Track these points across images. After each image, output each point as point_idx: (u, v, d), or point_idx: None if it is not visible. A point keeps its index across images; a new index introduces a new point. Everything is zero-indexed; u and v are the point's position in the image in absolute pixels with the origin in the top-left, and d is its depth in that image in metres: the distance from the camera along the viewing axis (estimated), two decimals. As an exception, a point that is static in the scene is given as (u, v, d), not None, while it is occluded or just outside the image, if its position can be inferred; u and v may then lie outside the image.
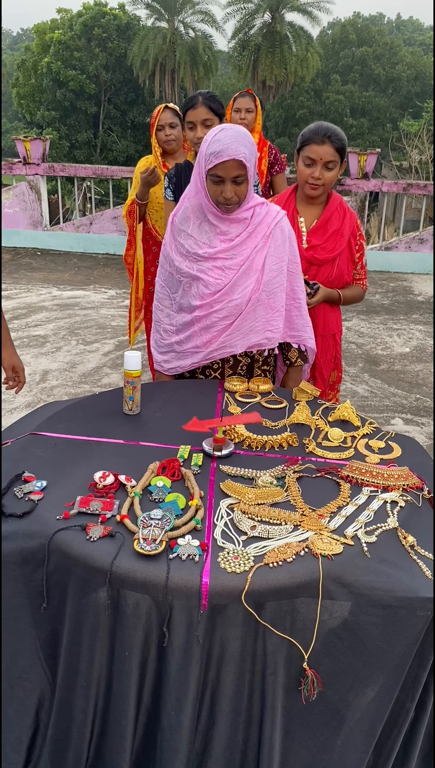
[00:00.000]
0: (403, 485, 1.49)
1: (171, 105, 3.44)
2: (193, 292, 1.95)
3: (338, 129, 2.17)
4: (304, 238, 2.22)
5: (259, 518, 1.34)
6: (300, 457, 1.60)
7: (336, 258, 2.27)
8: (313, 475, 1.52)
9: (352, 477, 1.51)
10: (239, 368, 2.06)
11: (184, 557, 1.21)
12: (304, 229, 2.21)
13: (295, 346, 2.09)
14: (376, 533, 1.32)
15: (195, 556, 1.21)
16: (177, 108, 3.44)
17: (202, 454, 1.58)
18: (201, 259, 1.93)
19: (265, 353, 2.05)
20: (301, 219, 2.22)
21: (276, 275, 1.94)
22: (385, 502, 1.43)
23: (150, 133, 3.47)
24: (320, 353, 2.32)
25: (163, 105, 3.42)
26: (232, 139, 1.76)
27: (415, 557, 1.27)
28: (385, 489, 1.48)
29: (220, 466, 1.54)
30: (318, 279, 2.28)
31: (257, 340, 1.97)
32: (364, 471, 1.52)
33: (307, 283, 2.17)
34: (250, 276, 1.91)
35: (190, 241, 1.95)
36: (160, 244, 2.33)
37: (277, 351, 2.08)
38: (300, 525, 1.32)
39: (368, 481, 1.49)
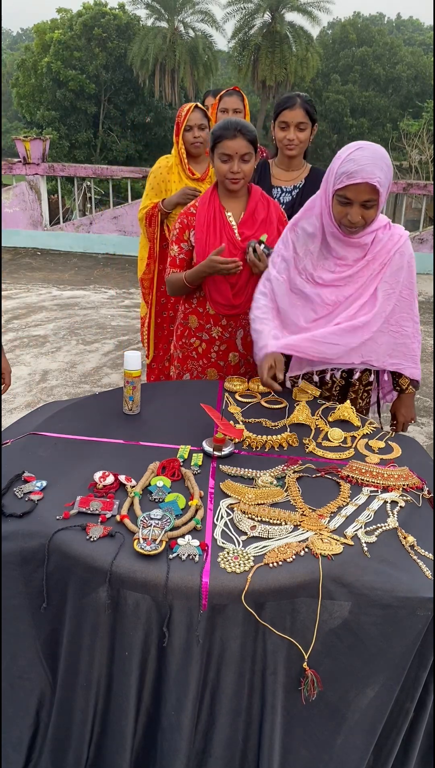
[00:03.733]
0: (403, 485, 1.49)
1: (201, 105, 3.16)
2: (300, 311, 1.89)
3: (246, 122, 2.17)
4: (236, 231, 2.21)
5: (259, 518, 1.34)
6: (300, 457, 1.60)
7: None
8: (313, 475, 1.52)
9: (352, 477, 1.51)
10: (334, 388, 2.06)
11: (184, 557, 1.21)
12: (233, 222, 2.21)
13: (406, 374, 2.01)
14: (376, 533, 1.32)
15: (195, 556, 1.21)
16: (205, 109, 3.17)
17: (202, 454, 1.58)
18: (313, 283, 1.87)
19: (371, 377, 2.02)
20: (229, 213, 2.22)
21: (385, 301, 1.86)
22: (385, 502, 1.43)
23: (175, 133, 3.19)
24: None
25: (193, 104, 3.14)
26: (368, 160, 1.65)
27: (415, 557, 1.27)
28: (385, 489, 1.48)
29: (220, 466, 1.54)
30: None
31: (354, 359, 1.91)
32: (364, 471, 1.53)
33: (260, 242, 2.15)
34: (361, 301, 1.84)
35: (308, 260, 1.87)
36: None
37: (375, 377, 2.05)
38: (300, 525, 1.32)
39: (368, 481, 1.49)
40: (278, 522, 1.33)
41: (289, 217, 2.33)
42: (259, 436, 1.68)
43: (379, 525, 1.34)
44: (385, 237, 1.83)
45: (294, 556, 1.22)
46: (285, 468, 1.54)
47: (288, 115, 2.59)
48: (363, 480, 1.50)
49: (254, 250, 2.12)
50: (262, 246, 2.13)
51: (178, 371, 2.39)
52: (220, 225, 2.20)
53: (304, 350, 1.89)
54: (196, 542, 1.24)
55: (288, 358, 2.03)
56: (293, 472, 1.52)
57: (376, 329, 1.86)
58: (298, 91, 2.75)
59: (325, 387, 2.04)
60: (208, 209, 2.22)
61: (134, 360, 1.77)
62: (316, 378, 1.99)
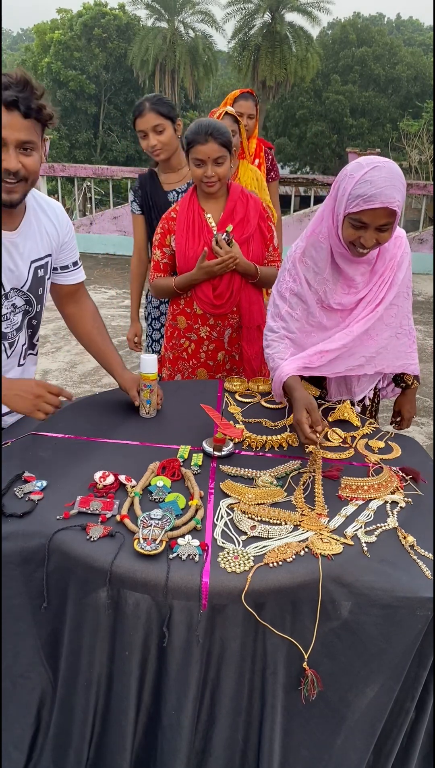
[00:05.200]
0: (396, 487, 1.49)
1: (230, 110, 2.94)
2: (315, 339, 1.81)
3: (219, 124, 2.14)
4: (215, 232, 2.21)
5: (259, 518, 1.34)
6: (300, 457, 1.60)
7: (248, 239, 2.23)
8: (306, 470, 1.52)
9: (345, 496, 1.45)
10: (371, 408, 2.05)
11: (184, 557, 1.21)
12: (213, 224, 2.20)
13: (410, 371, 1.97)
14: (376, 533, 1.32)
15: (195, 556, 1.21)
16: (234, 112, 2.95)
17: (202, 454, 1.58)
18: (332, 311, 1.79)
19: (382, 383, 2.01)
20: (209, 215, 2.21)
21: (396, 310, 1.83)
22: (385, 502, 1.43)
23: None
24: (247, 345, 2.29)
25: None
26: (386, 182, 1.50)
27: (415, 557, 1.28)
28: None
29: (220, 466, 1.54)
30: None
31: (368, 370, 1.87)
32: (354, 488, 1.47)
33: (226, 233, 2.14)
34: (373, 320, 1.79)
35: (325, 288, 1.76)
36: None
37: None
38: (300, 525, 1.32)
39: (364, 497, 1.44)
40: (278, 522, 1.33)
41: None
42: (259, 436, 1.68)
43: (379, 525, 1.35)
44: (390, 245, 1.74)
45: (294, 556, 1.22)
46: (293, 467, 1.54)
47: (140, 124, 2.60)
48: (357, 497, 1.44)
49: (217, 242, 2.12)
50: (224, 235, 2.14)
51: (169, 372, 2.38)
52: (198, 228, 2.20)
53: (320, 369, 1.80)
54: (196, 542, 1.24)
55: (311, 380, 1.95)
56: (298, 473, 1.52)
57: (384, 336, 1.83)
58: (151, 93, 2.75)
59: (366, 411, 2.01)
60: (188, 212, 2.22)
61: (150, 363, 1.74)
62: (358, 408, 1.96)
